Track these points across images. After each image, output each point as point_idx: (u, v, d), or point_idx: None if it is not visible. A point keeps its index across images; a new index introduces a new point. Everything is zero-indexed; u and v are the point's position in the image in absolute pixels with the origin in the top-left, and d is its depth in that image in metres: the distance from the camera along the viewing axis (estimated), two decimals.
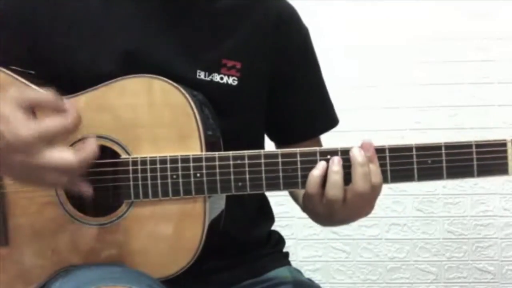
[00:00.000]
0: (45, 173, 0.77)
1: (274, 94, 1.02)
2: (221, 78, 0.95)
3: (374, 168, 0.83)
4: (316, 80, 1.08)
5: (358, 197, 0.83)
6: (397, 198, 2.14)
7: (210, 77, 0.95)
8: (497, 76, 2.14)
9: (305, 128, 1.06)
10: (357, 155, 0.83)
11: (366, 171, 0.82)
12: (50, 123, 0.76)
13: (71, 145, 0.86)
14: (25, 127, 0.75)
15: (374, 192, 0.84)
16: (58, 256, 0.87)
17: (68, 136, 0.81)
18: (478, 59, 2.14)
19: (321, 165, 0.84)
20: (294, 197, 1.09)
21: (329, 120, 1.09)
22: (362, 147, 0.84)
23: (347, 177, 0.83)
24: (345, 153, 0.84)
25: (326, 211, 0.86)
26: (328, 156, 0.83)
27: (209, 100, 0.93)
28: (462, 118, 2.14)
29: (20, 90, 0.78)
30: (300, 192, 0.98)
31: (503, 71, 2.13)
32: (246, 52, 0.97)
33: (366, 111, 2.16)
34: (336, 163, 0.83)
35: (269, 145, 1.07)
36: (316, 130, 1.08)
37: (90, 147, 0.79)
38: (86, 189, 0.82)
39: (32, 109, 0.78)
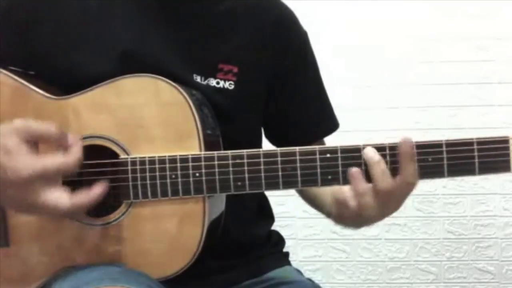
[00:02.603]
0: (40, 210, 0.77)
1: (273, 98, 1.02)
2: (217, 83, 0.95)
3: (412, 166, 0.81)
4: (315, 84, 1.08)
5: (386, 195, 0.81)
6: None
7: (206, 81, 0.94)
8: (497, 76, 2.14)
9: (305, 132, 1.06)
10: (372, 156, 0.81)
11: (384, 168, 0.81)
12: (51, 162, 0.76)
13: None
14: (25, 164, 0.75)
15: (407, 190, 0.82)
16: (57, 256, 0.87)
17: (68, 175, 0.80)
18: (478, 59, 2.14)
19: (372, 152, 0.82)
20: (310, 198, 1.07)
21: (329, 124, 1.09)
22: (403, 143, 0.81)
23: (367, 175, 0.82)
24: (350, 151, 0.83)
25: (357, 211, 0.83)
26: (327, 155, 0.83)
27: (208, 102, 0.93)
28: (462, 118, 2.14)
29: (26, 122, 0.78)
30: (322, 193, 0.98)
31: (503, 71, 2.13)
32: (244, 57, 0.97)
33: (366, 111, 2.16)
34: (373, 152, 0.82)
35: (267, 146, 1.07)
36: (316, 134, 1.07)
37: (89, 194, 0.78)
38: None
39: (34, 143, 0.78)
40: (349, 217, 0.86)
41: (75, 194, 0.77)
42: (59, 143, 0.79)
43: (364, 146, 0.82)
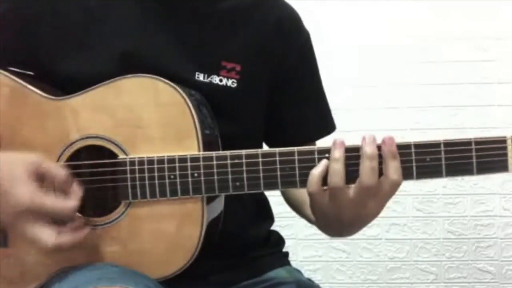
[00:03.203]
0: (27, 239, 0.80)
1: (272, 98, 1.02)
2: (220, 80, 0.95)
3: (395, 164, 0.80)
4: (314, 85, 1.07)
5: (364, 193, 0.80)
6: (397, 198, 2.14)
7: (209, 79, 0.94)
8: (497, 76, 2.14)
9: (300, 134, 1.05)
10: (366, 146, 0.80)
11: (374, 165, 0.80)
12: (50, 202, 0.79)
13: (68, 147, 0.87)
14: (26, 195, 0.78)
15: (387, 190, 0.81)
16: (56, 256, 0.87)
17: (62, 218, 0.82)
18: (478, 59, 2.14)
19: (322, 163, 0.81)
20: (298, 209, 1.07)
21: (325, 126, 1.08)
22: (383, 141, 0.81)
23: (355, 174, 0.81)
24: (354, 150, 0.82)
25: (332, 210, 0.83)
26: (326, 154, 0.82)
27: (208, 102, 0.92)
28: (462, 118, 2.14)
29: (39, 158, 0.81)
30: (305, 201, 0.96)
31: (503, 71, 2.13)
32: (246, 55, 0.97)
33: (366, 111, 2.16)
34: (337, 148, 0.81)
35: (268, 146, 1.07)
36: (311, 136, 1.06)
37: (74, 236, 0.81)
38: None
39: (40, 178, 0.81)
40: (325, 216, 0.85)
41: (61, 235, 0.80)
42: (63, 189, 0.81)
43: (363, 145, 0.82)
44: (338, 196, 0.81)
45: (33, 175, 0.79)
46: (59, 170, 0.81)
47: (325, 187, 0.82)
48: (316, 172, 0.81)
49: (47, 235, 0.79)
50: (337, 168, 0.80)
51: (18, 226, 0.79)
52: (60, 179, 0.81)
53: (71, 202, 0.80)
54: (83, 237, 0.82)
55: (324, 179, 0.82)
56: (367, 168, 0.80)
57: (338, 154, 0.81)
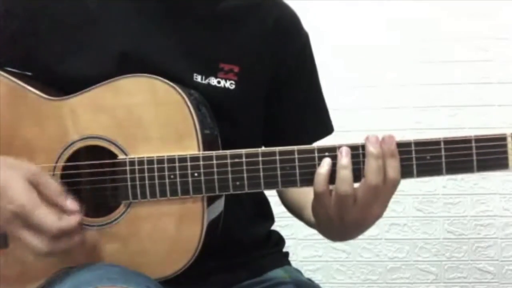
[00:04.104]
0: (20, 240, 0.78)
1: (270, 99, 1.02)
2: (218, 82, 0.95)
3: (394, 163, 0.80)
4: (312, 86, 1.07)
5: (371, 193, 0.80)
6: (397, 198, 2.14)
7: (207, 80, 0.94)
8: (497, 76, 2.14)
9: (298, 136, 1.05)
10: (370, 146, 0.80)
11: (380, 164, 0.79)
12: (44, 217, 0.76)
13: (67, 147, 0.87)
14: (21, 198, 0.76)
15: (388, 189, 0.81)
16: (56, 257, 0.87)
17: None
18: (478, 59, 2.14)
19: (326, 163, 0.81)
20: (297, 213, 1.07)
21: (323, 128, 1.08)
22: (383, 140, 0.81)
23: (358, 173, 0.80)
24: (354, 149, 0.81)
25: (337, 212, 0.82)
26: (326, 153, 0.82)
27: (207, 102, 0.92)
28: (462, 118, 2.14)
29: (40, 171, 0.80)
30: (305, 205, 0.97)
31: (503, 71, 2.14)
32: (245, 56, 0.97)
33: (366, 111, 2.16)
34: (344, 156, 0.80)
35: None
36: (309, 138, 1.05)
37: (68, 242, 0.79)
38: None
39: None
40: (329, 218, 0.84)
41: (56, 241, 0.77)
42: (57, 202, 0.79)
43: (362, 144, 0.82)
44: (345, 200, 0.80)
45: (30, 182, 0.78)
46: (55, 184, 0.80)
47: (331, 186, 0.81)
48: (323, 171, 0.81)
49: (40, 241, 0.77)
50: (346, 174, 0.80)
51: (12, 231, 0.78)
52: (55, 192, 0.79)
53: (64, 223, 0.78)
54: (77, 242, 0.80)
55: (330, 178, 0.81)
56: (373, 167, 0.79)
57: (346, 161, 0.80)
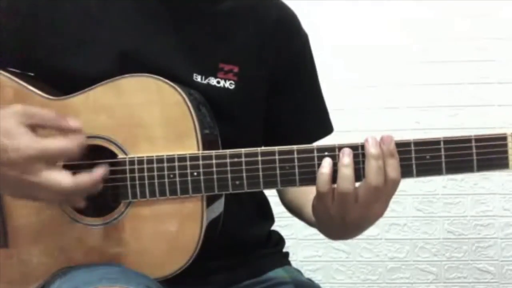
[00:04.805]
0: (39, 191, 0.77)
1: (270, 99, 1.01)
2: (218, 82, 0.95)
3: (393, 163, 0.80)
4: (312, 87, 1.07)
5: (372, 193, 0.80)
6: (397, 198, 2.14)
7: (207, 80, 0.94)
8: (497, 76, 2.14)
9: (297, 135, 1.04)
10: (371, 147, 0.80)
11: (380, 164, 0.79)
12: (52, 143, 0.76)
13: None
14: (26, 144, 0.75)
15: (389, 189, 0.81)
16: (56, 257, 0.87)
17: (69, 158, 0.80)
18: (478, 59, 2.14)
19: (327, 162, 0.81)
20: (297, 212, 1.06)
21: (323, 128, 1.08)
22: (382, 140, 0.81)
23: (359, 173, 0.80)
24: (354, 149, 0.81)
25: (338, 211, 0.82)
26: (325, 153, 0.82)
27: (207, 102, 0.92)
28: (462, 118, 2.14)
29: (25, 106, 0.78)
30: (305, 204, 0.97)
31: (503, 71, 2.13)
32: (244, 57, 0.97)
33: (366, 111, 2.16)
34: (346, 155, 0.80)
35: None
36: (309, 138, 1.05)
37: (92, 176, 0.79)
38: (80, 205, 0.82)
39: (34, 128, 0.78)
40: (330, 218, 0.84)
41: (78, 175, 0.77)
42: (59, 127, 0.79)
43: (362, 144, 0.82)
44: (347, 199, 0.80)
45: (26, 126, 0.76)
46: (47, 111, 0.79)
47: (334, 185, 0.81)
48: (325, 171, 0.81)
49: (64, 177, 0.76)
50: (347, 173, 0.80)
51: (29, 178, 0.75)
52: (52, 118, 0.78)
53: (74, 139, 0.78)
54: (101, 176, 0.79)
55: (333, 178, 0.81)
56: (373, 168, 0.79)
57: (347, 160, 0.80)
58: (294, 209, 1.08)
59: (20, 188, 0.78)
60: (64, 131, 0.78)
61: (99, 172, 0.79)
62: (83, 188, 0.78)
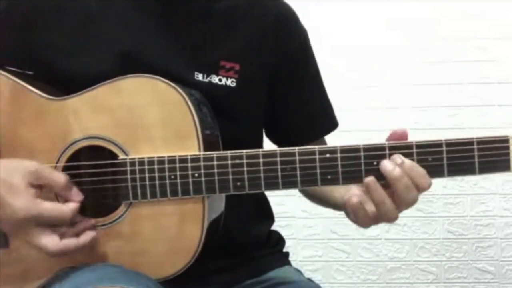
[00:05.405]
0: (30, 242, 0.82)
1: (273, 96, 1.02)
2: (220, 80, 0.95)
3: (416, 174, 0.80)
4: (315, 82, 1.08)
5: (410, 204, 0.83)
6: None
7: (208, 78, 0.94)
8: (497, 76, 2.14)
9: (305, 130, 1.06)
10: (394, 172, 0.80)
11: (408, 182, 0.80)
12: (47, 211, 0.80)
13: (68, 147, 0.87)
14: (22, 206, 0.79)
15: (425, 190, 0.82)
16: (57, 257, 0.87)
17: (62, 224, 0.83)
18: (478, 59, 2.14)
19: (357, 192, 0.83)
20: (319, 196, 1.07)
21: (329, 122, 1.09)
22: (393, 160, 0.81)
23: (359, 174, 0.82)
24: (349, 151, 0.82)
25: (375, 211, 0.84)
26: (327, 155, 0.82)
27: (208, 102, 0.92)
28: (462, 118, 2.14)
29: (38, 167, 0.82)
30: (333, 190, 0.98)
31: (503, 71, 2.13)
32: (245, 54, 0.97)
33: (366, 111, 2.16)
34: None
35: (268, 146, 1.07)
36: (317, 132, 1.07)
37: (78, 241, 0.82)
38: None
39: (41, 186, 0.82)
40: (365, 217, 0.85)
41: (64, 240, 0.81)
42: (62, 196, 0.83)
43: (364, 146, 0.82)
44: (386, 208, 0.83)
45: (31, 185, 0.80)
46: (58, 177, 0.82)
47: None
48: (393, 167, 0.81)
49: (50, 241, 0.80)
50: (407, 184, 0.81)
51: (21, 234, 0.81)
52: (60, 186, 0.82)
53: (69, 205, 0.81)
54: (88, 241, 0.82)
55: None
56: (402, 188, 0.80)
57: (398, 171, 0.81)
58: (316, 193, 1.08)
59: (18, 236, 0.84)
60: (65, 198, 0.83)
61: (85, 238, 0.83)
62: (68, 252, 0.81)
